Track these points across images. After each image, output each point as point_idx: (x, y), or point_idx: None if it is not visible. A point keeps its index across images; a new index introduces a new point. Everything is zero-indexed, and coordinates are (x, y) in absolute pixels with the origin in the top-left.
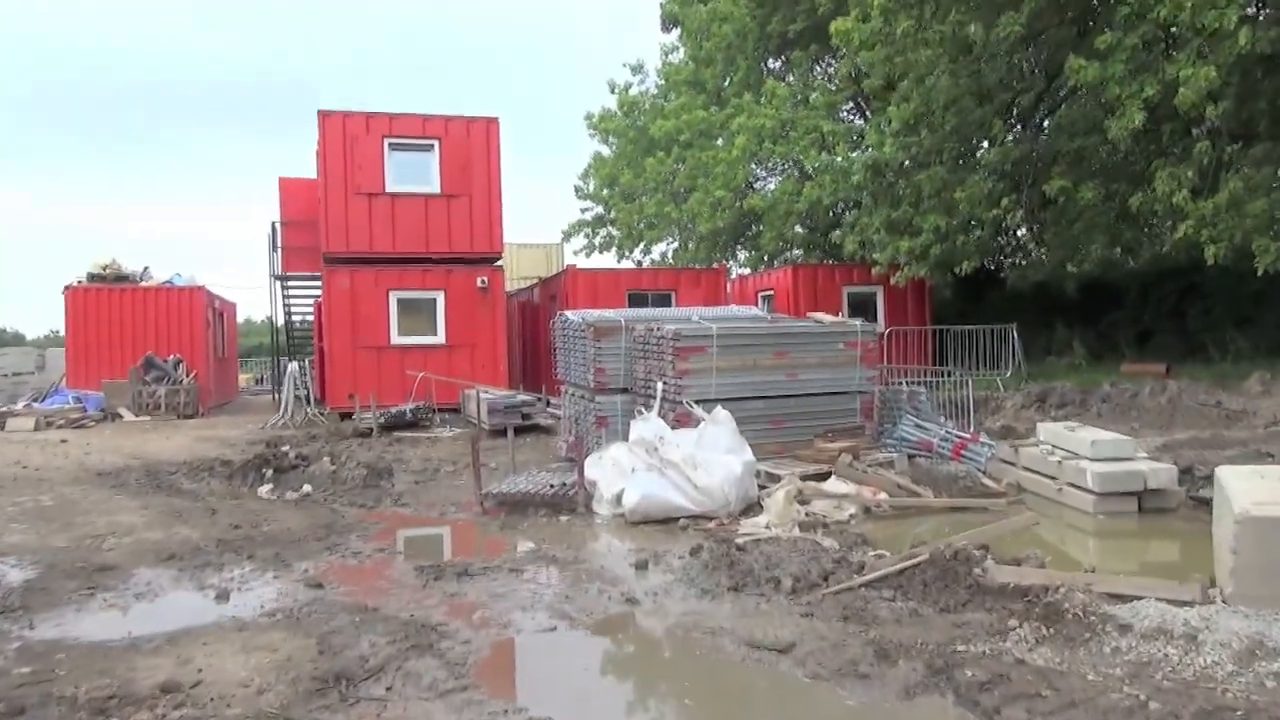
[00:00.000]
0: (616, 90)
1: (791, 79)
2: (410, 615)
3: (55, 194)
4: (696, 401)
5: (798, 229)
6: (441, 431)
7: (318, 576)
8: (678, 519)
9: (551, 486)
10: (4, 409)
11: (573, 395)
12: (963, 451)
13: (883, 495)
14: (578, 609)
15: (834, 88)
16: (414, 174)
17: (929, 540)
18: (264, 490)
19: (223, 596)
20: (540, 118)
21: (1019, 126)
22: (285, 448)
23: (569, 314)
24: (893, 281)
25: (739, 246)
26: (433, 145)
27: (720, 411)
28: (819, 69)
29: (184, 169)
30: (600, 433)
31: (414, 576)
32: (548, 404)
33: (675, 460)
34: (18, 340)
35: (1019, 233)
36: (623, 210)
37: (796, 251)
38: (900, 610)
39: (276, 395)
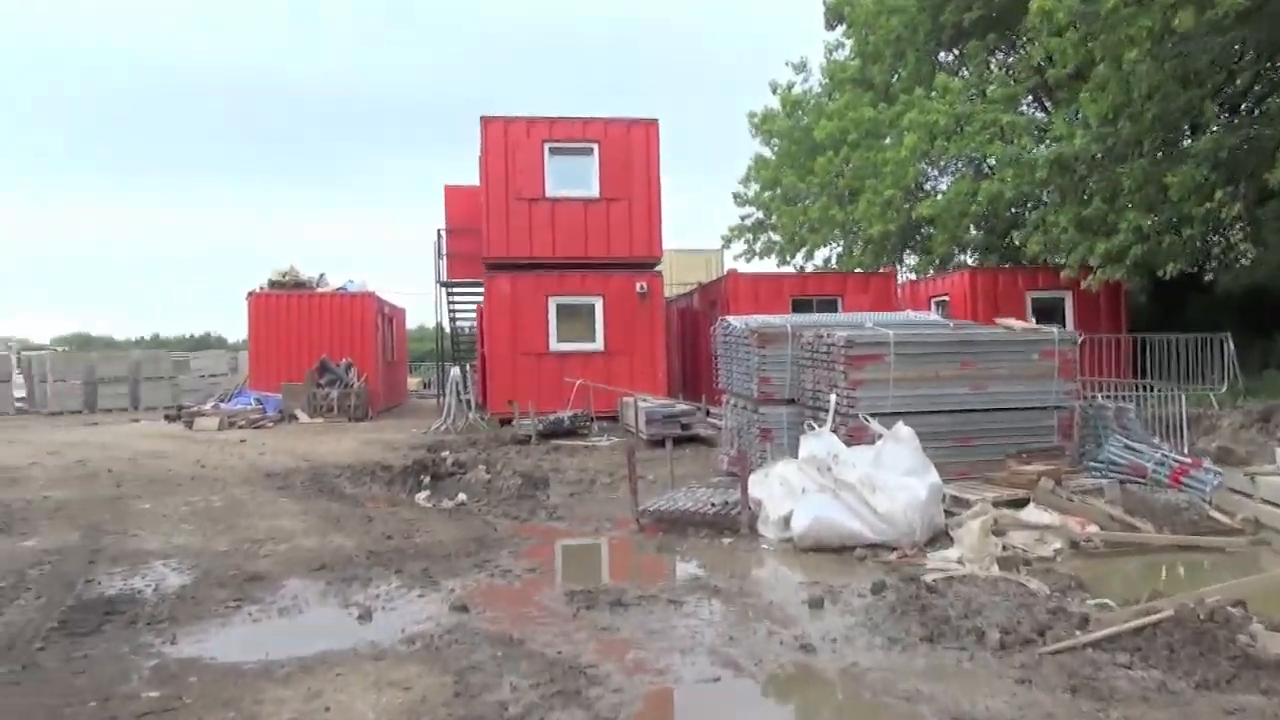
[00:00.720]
0: (778, 90)
1: (965, 72)
2: (558, 652)
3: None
4: (871, 415)
5: (972, 231)
6: (599, 440)
7: (464, 597)
8: (853, 547)
9: (713, 505)
10: (194, 409)
11: (735, 406)
12: (1183, 478)
13: (1093, 528)
14: (745, 654)
15: (1013, 79)
16: (573, 178)
17: (1165, 590)
18: (421, 497)
19: (365, 616)
20: (686, 121)
21: (1231, 111)
22: (444, 453)
23: (731, 319)
24: (1083, 286)
25: (907, 251)
26: (592, 148)
27: (902, 427)
28: (995, 60)
29: (335, 181)
30: (764, 447)
31: (564, 603)
32: (707, 414)
33: (851, 481)
34: (220, 344)
35: (1228, 232)
36: (785, 214)
37: (963, 257)
38: (1144, 683)
39: (441, 400)
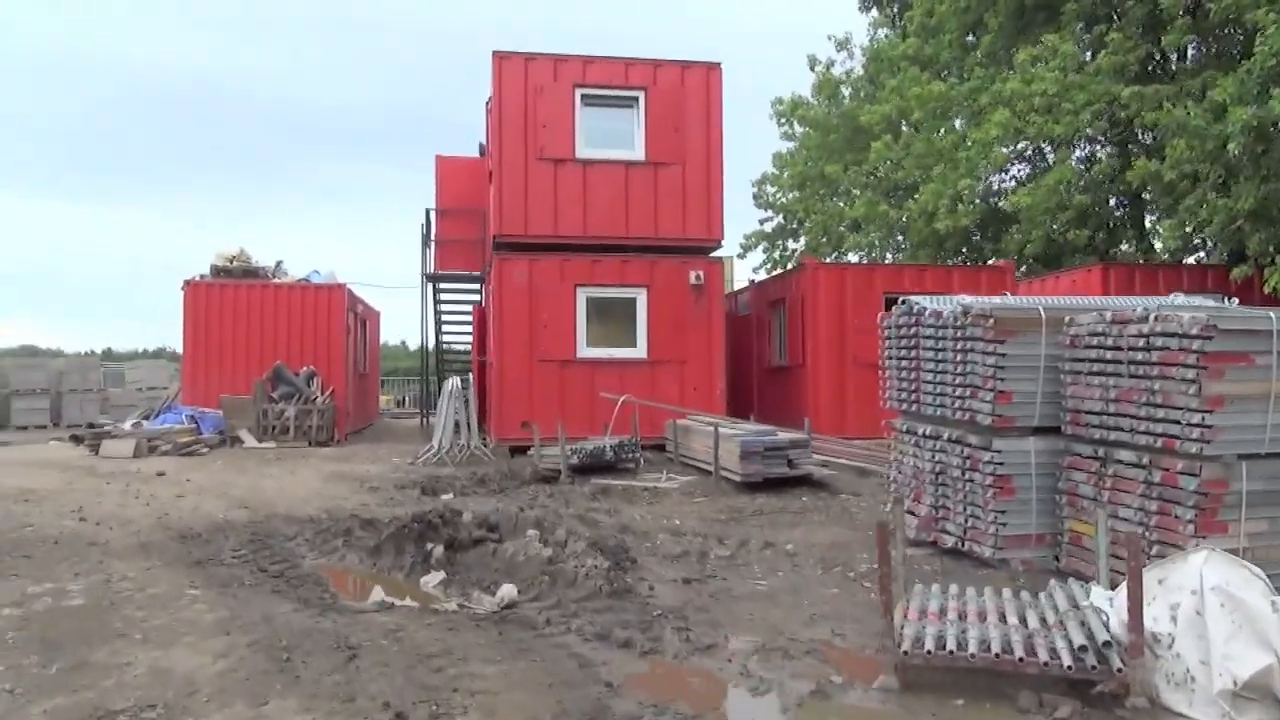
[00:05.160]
0: (817, 68)
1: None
2: None
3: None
4: (1239, 456)
5: (1056, 227)
6: (659, 480)
7: None
8: None
9: (1056, 641)
10: (108, 428)
11: (919, 436)
12: None
13: None
14: None
15: (1123, 46)
16: (613, 135)
17: None
18: (431, 582)
19: None
20: None
21: None
22: (448, 497)
23: (923, 300)
24: (1268, 289)
25: (964, 253)
26: (636, 98)
27: None
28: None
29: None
30: (1002, 505)
31: None
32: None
33: None
34: (174, 356)
35: None
36: (819, 212)
37: (1029, 261)
38: None
39: (425, 420)
